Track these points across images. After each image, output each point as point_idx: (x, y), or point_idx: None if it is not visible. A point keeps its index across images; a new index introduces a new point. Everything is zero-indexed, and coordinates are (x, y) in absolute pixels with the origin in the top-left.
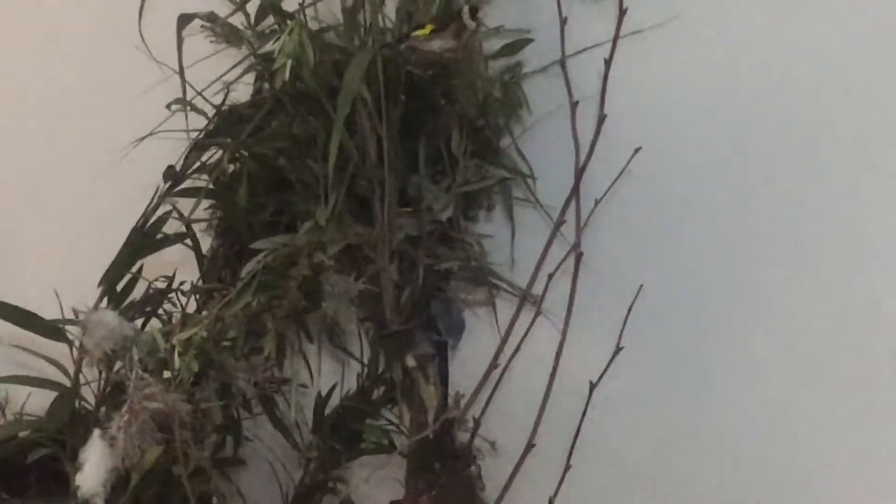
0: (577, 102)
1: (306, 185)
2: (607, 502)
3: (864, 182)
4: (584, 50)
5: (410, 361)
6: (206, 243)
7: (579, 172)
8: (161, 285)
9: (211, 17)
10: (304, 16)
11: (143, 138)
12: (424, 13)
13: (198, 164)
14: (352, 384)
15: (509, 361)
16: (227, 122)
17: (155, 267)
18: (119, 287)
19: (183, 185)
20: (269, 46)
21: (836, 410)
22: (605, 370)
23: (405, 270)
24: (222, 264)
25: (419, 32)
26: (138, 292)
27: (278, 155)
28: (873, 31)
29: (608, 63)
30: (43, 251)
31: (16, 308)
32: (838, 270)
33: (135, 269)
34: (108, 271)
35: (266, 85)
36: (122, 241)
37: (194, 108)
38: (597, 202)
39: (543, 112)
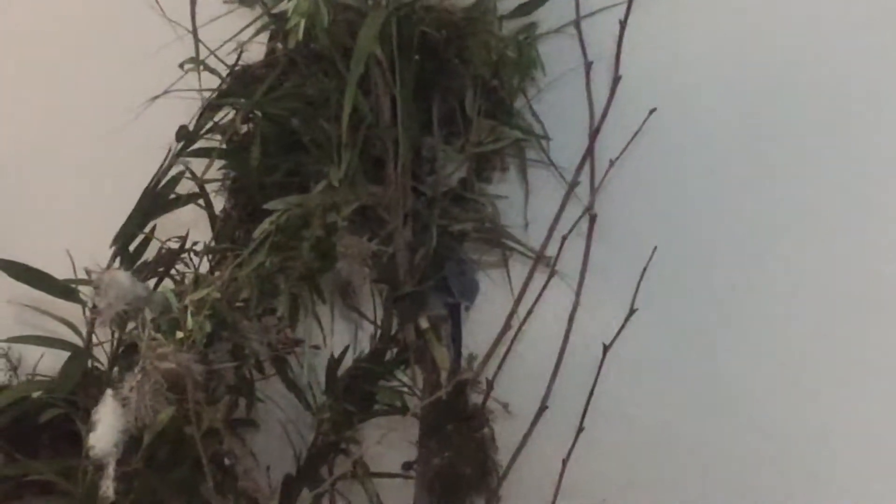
0: (592, 63)
1: (319, 146)
2: (620, 464)
3: (884, 145)
4: (599, 11)
5: (423, 323)
6: (219, 204)
7: (594, 134)
8: (174, 245)
9: None
10: None
11: (155, 98)
12: None
13: (211, 124)
14: (365, 345)
15: (523, 323)
16: (240, 82)
17: (168, 227)
18: (132, 247)
19: (196, 146)
20: (282, 6)
21: (851, 372)
22: (619, 332)
23: (419, 231)
24: (235, 225)
25: None
26: (151, 252)
27: (292, 115)
28: None
29: (623, 24)
30: (55, 211)
31: (28, 268)
32: (854, 232)
33: (147, 229)
34: (120, 231)
35: (279, 45)
36: (134, 201)
37: (207, 68)
38: (611, 163)
39: (558, 73)
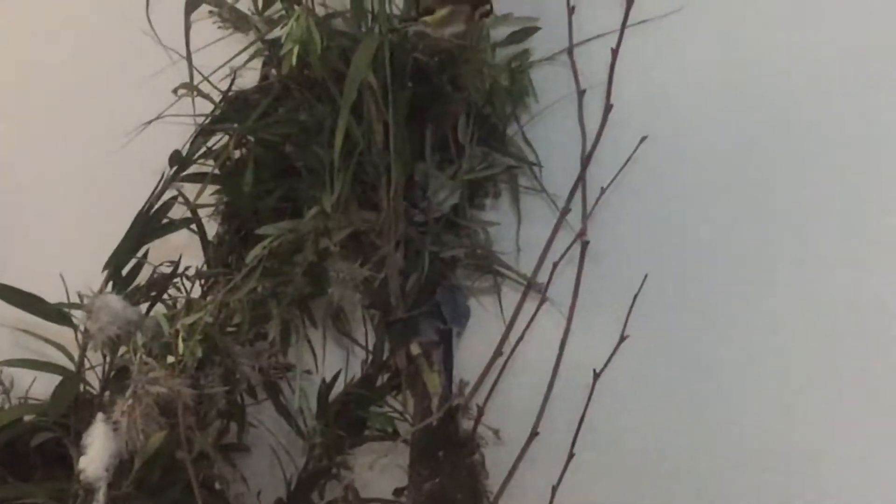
0: (584, 91)
1: (312, 171)
2: (611, 491)
3: (874, 171)
4: (592, 39)
5: (415, 349)
6: (211, 229)
7: (585, 161)
8: (166, 270)
9: (218, 3)
10: (312, 2)
11: (149, 122)
12: None
13: (204, 149)
14: (356, 371)
15: (514, 349)
16: (233, 108)
17: (160, 252)
18: (124, 271)
19: (189, 171)
20: (276, 32)
21: (842, 397)
22: (610, 359)
23: (411, 257)
24: (228, 250)
25: (429, 18)
26: (143, 277)
27: (285, 141)
28: (884, 20)
29: (615, 52)
30: (48, 235)
31: (21, 292)
32: (846, 259)
33: (140, 253)
34: (113, 255)
35: (273, 71)
36: (127, 225)
37: (201, 93)
38: (603, 191)
39: (550, 100)
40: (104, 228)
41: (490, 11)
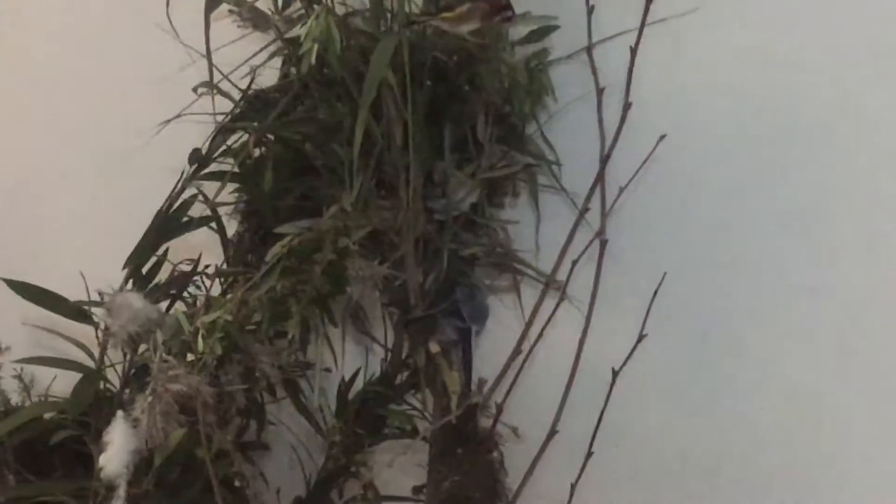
0: (603, 90)
1: (332, 170)
2: (630, 489)
3: (888, 170)
4: (611, 37)
5: (434, 347)
6: (231, 227)
7: (604, 159)
8: (186, 268)
9: (238, 1)
10: (331, 0)
11: (169, 121)
12: None
13: (224, 147)
14: (375, 369)
15: (533, 348)
16: (253, 106)
17: (180, 250)
18: (144, 270)
19: (208, 169)
20: (295, 31)
21: (861, 395)
22: (629, 357)
23: (430, 256)
24: (247, 248)
25: (446, 15)
26: (163, 275)
27: (304, 139)
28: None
29: (634, 51)
30: (68, 233)
31: (41, 290)
32: (862, 257)
33: (160, 251)
34: (133, 254)
35: (293, 69)
36: (147, 223)
37: (221, 92)
38: (621, 189)
39: (569, 99)
40: (124, 227)
41: (511, 18)
